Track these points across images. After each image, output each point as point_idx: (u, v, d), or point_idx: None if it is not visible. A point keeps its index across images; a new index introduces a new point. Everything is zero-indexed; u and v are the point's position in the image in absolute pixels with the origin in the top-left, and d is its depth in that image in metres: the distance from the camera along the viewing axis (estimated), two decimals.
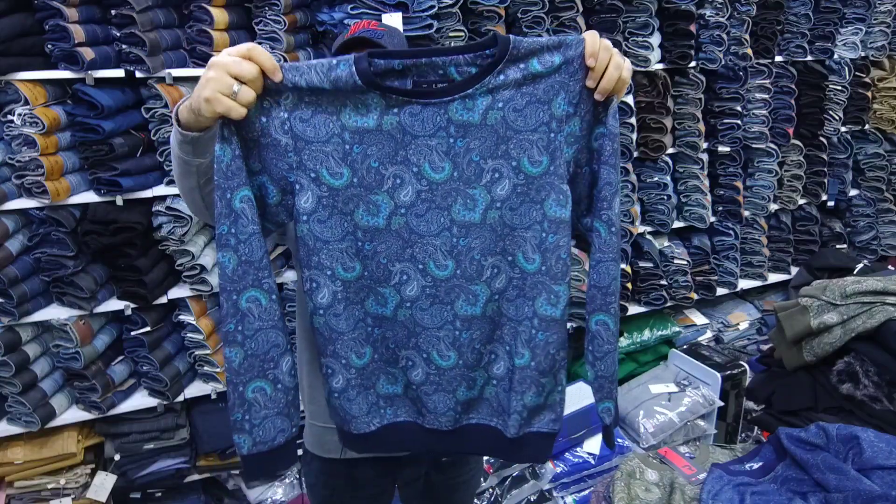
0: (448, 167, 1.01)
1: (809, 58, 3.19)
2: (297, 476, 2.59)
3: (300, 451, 1.36)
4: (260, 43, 2.29)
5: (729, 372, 2.69)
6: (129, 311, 2.31)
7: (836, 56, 3.25)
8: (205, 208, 1.12)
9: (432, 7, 2.15)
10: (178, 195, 2.26)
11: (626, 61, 1.02)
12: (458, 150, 1.01)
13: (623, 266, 2.96)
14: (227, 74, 0.92)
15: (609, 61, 0.98)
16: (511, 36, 0.97)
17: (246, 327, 0.99)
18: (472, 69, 0.98)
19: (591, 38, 0.99)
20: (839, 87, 3.28)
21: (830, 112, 3.32)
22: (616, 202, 1.03)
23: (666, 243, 3.12)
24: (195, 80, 2.27)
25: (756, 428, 2.72)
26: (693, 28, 2.80)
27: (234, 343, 0.99)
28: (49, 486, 2.30)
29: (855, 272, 2.99)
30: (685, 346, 3.01)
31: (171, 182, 2.26)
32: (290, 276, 2.54)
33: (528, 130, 1.00)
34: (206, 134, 1.01)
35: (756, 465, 2.20)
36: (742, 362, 2.77)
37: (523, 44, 0.97)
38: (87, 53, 2.03)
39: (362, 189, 1.01)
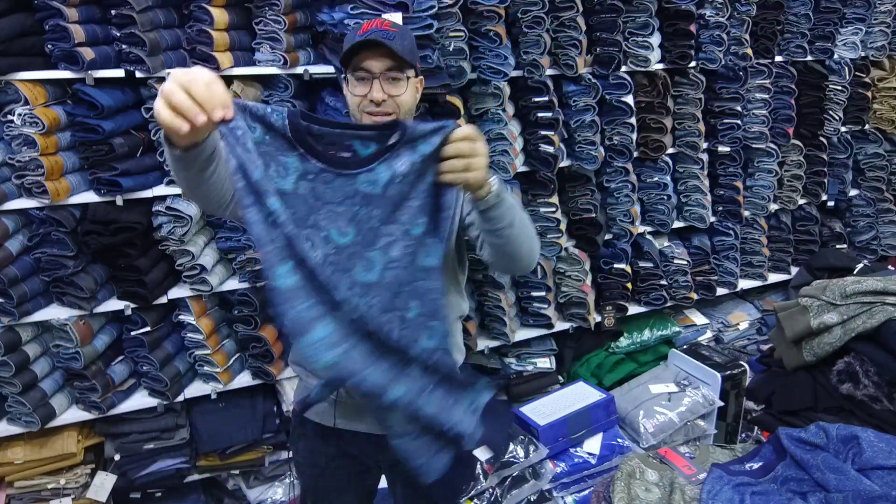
0: (352, 232, 1.14)
1: (809, 58, 3.19)
2: (292, 469, 2.59)
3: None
4: (260, 43, 2.29)
5: (729, 372, 2.69)
6: (129, 311, 2.31)
7: (836, 56, 3.25)
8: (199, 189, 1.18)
9: (432, 7, 2.15)
10: (178, 195, 2.26)
11: (479, 160, 1.14)
12: (362, 217, 1.14)
13: (623, 266, 2.96)
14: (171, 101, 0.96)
15: (463, 152, 1.13)
16: (406, 122, 1.14)
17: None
18: (371, 148, 1.13)
19: (461, 131, 1.14)
20: (839, 87, 3.28)
21: (830, 112, 3.32)
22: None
23: (666, 243, 3.12)
24: None
25: (756, 428, 2.72)
26: (693, 28, 2.80)
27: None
28: (49, 486, 2.30)
29: (855, 272, 2.99)
30: (685, 346, 3.01)
31: (171, 182, 2.26)
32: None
33: (414, 199, 1.16)
34: (195, 150, 1.06)
35: (756, 465, 2.20)
36: (742, 362, 2.77)
37: (416, 129, 1.13)
38: (87, 53, 2.03)
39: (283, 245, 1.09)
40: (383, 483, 1.67)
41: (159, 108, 0.95)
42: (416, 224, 1.16)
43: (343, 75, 1.46)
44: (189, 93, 0.94)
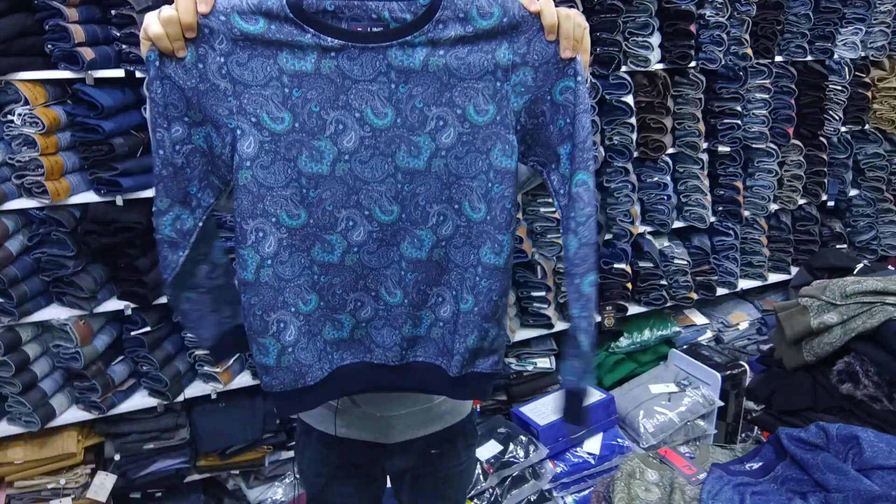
0: (391, 113, 0.99)
1: (809, 58, 3.19)
2: (296, 476, 2.59)
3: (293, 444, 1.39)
4: None
5: (729, 372, 2.69)
6: (129, 311, 2.31)
7: (836, 56, 3.25)
8: None
9: None
10: None
11: (580, 18, 0.99)
12: (401, 95, 0.98)
13: (623, 266, 2.97)
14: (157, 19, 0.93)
15: (563, 18, 0.97)
16: None
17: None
18: (406, 16, 0.95)
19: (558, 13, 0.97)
20: (839, 87, 3.28)
21: (830, 112, 3.32)
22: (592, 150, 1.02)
23: (666, 243, 3.12)
24: None
25: (756, 428, 2.72)
26: (693, 28, 2.80)
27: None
28: (49, 486, 2.30)
29: (855, 272, 2.99)
30: (685, 346, 3.01)
31: None
32: None
33: (472, 78, 0.98)
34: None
35: (756, 465, 2.20)
36: (742, 362, 2.77)
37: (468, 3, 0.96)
38: (87, 53, 2.03)
39: (304, 134, 0.98)
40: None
41: (147, 27, 0.93)
42: (481, 110, 1.00)
43: None
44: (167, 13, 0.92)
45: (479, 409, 2.82)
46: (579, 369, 1.12)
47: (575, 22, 0.97)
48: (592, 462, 2.46)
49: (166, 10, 0.93)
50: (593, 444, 2.52)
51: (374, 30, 0.96)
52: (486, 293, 1.06)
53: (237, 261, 1.03)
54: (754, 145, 3.16)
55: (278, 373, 1.08)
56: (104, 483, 2.35)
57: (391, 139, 1.00)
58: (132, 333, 2.34)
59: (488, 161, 1.02)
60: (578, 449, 2.51)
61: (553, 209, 2.77)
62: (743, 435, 2.75)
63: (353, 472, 1.46)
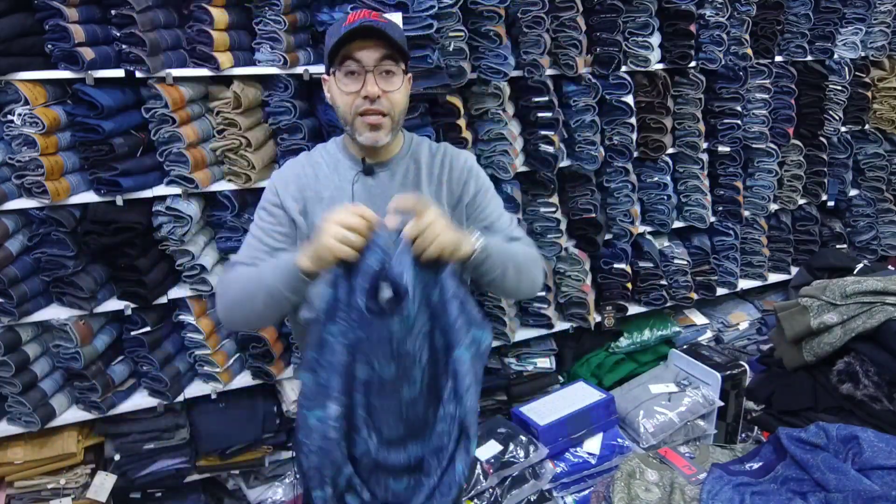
0: (394, 366, 1.20)
1: (809, 58, 3.19)
2: (296, 476, 2.59)
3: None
4: (260, 43, 2.29)
5: (729, 372, 2.69)
6: (129, 311, 2.31)
7: (836, 56, 3.25)
8: (254, 316, 1.35)
9: (432, 7, 2.15)
10: (178, 195, 2.26)
11: (436, 226, 1.16)
12: (403, 351, 1.20)
13: (623, 266, 2.97)
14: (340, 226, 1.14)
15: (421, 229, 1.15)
16: (401, 279, 1.13)
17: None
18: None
19: (410, 226, 1.16)
20: (839, 87, 3.28)
21: (830, 112, 3.32)
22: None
23: (666, 243, 3.12)
24: (195, 80, 2.27)
25: (756, 428, 2.72)
26: (693, 28, 2.80)
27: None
28: (49, 486, 2.30)
29: (855, 272, 2.99)
30: (685, 346, 3.01)
31: (171, 182, 2.26)
32: None
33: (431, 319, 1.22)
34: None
35: (756, 465, 2.20)
36: (742, 362, 2.77)
37: (401, 268, 1.15)
38: (87, 53, 2.03)
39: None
40: None
41: (329, 243, 1.13)
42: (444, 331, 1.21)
43: (328, 70, 1.37)
44: (346, 226, 1.14)
45: (479, 410, 2.82)
46: None
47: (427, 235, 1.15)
48: (592, 462, 2.46)
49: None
50: (593, 444, 2.52)
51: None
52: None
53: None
54: (754, 145, 3.16)
55: None
56: (104, 483, 2.35)
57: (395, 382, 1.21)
58: (132, 333, 2.34)
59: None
60: (578, 449, 2.51)
61: (553, 209, 2.77)
62: (743, 435, 2.75)
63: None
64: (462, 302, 1.20)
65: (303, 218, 1.41)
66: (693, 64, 2.89)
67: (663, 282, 3.07)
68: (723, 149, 3.09)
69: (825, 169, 3.42)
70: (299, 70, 2.31)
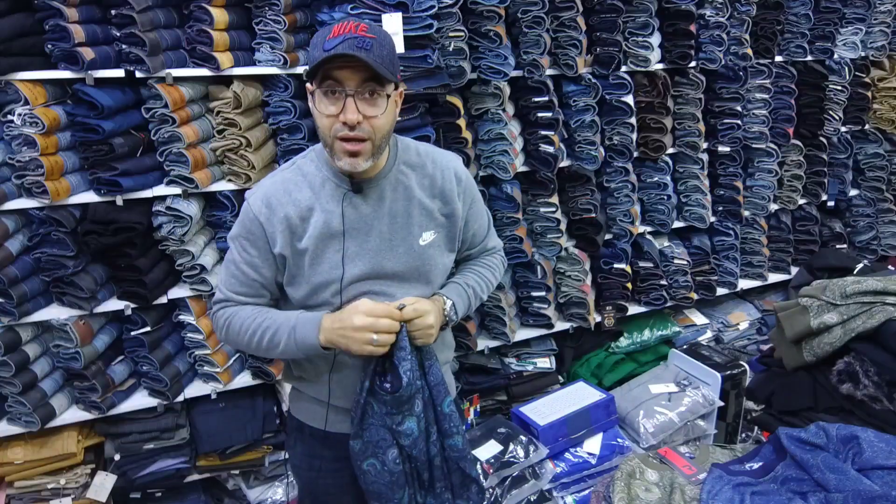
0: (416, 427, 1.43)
1: (809, 58, 3.19)
2: (288, 472, 2.59)
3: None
4: (260, 43, 2.29)
5: (729, 372, 2.69)
6: (129, 311, 2.31)
7: (836, 56, 3.25)
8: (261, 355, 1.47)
9: (432, 7, 2.15)
10: (178, 195, 2.26)
11: (427, 319, 1.35)
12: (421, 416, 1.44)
13: (623, 266, 2.97)
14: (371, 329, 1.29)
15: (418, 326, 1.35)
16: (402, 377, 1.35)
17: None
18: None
19: (407, 329, 1.35)
20: (839, 87, 3.28)
21: (830, 112, 3.32)
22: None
23: (666, 243, 3.12)
24: (195, 79, 2.27)
25: (756, 428, 2.72)
26: (693, 28, 2.80)
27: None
28: (49, 486, 2.30)
29: (855, 272, 2.99)
30: (685, 346, 3.01)
31: (171, 182, 2.26)
32: None
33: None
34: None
35: (756, 465, 2.20)
36: (742, 362, 2.77)
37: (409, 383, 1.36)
38: (87, 53, 2.03)
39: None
40: None
41: (362, 349, 1.29)
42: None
43: (309, 84, 1.28)
44: (378, 330, 1.29)
45: (478, 409, 2.82)
46: None
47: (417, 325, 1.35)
48: (592, 462, 2.46)
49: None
50: (593, 444, 2.52)
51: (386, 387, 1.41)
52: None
53: None
54: (754, 145, 3.16)
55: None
56: (104, 483, 2.35)
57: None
58: (132, 333, 2.34)
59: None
60: (578, 449, 2.51)
61: (553, 209, 2.77)
62: (743, 435, 2.75)
63: (345, 465, 1.48)
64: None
65: (290, 246, 1.36)
66: (693, 64, 2.89)
67: (663, 282, 3.07)
68: (723, 149, 3.09)
69: (825, 169, 3.42)
70: (299, 70, 2.31)
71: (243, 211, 1.38)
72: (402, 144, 1.45)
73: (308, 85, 1.30)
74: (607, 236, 2.98)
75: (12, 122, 2.01)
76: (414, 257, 1.41)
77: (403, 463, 1.44)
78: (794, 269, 3.44)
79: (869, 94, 3.38)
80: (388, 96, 1.27)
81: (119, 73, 2.11)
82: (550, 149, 2.65)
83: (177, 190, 2.25)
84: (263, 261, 1.38)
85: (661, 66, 2.84)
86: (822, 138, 3.35)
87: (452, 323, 1.47)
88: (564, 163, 2.77)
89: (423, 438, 1.42)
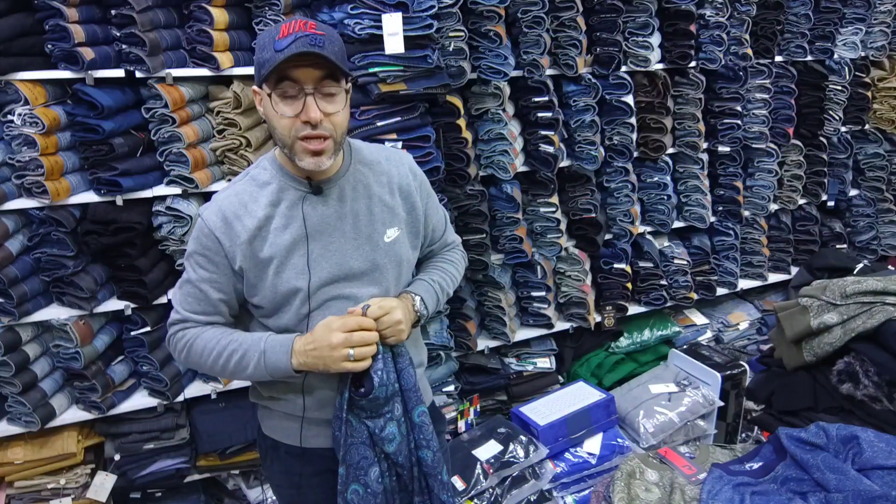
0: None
1: (809, 58, 3.19)
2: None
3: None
4: None
5: (729, 372, 2.69)
6: (129, 311, 2.31)
7: (836, 56, 3.25)
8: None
9: (432, 7, 2.15)
10: (178, 195, 2.26)
11: (394, 315, 1.32)
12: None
13: (623, 266, 2.97)
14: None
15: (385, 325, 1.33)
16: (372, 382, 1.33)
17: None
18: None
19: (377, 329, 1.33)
20: (839, 87, 3.28)
21: (830, 112, 3.32)
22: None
23: (666, 243, 3.12)
24: (195, 79, 2.27)
25: (756, 428, 2.72)
26: (693, 28, 2.80)
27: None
28: (49, 486, 2.30)
29: (855, 272, 2.99)
30: (685, 346, 3.01)
31: (171, 182, 2.26)
32: None
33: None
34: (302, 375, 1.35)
35: (756, 465, 2.20)
36: (742, 362, 2.77)
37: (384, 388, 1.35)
38: (87, 53, 2.03)
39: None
40: None
41: (342, 366, 1.28)
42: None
43: (259, 84, 1.24)
44: (356, 344, 1.27)
45: (478, 409, 2.82)
46: None
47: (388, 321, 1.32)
48: (592, 462, 2.46)
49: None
50: (593, 444, 2.52)
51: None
52: None
53: None
54: (754, 145, 3.16)
55: None
56: (104, 483, 2.35)
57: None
58: (132, 333, 2.34)
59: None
60: (578, 449, 2.51)
61: (553, 209, 2.78)
62: (743, 435, 2.75)
63: (325, 479, 1.45)
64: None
65: (250, 258, 1.31)
66: (693, 64, 2.89)
67: (663, 282, 3.07)
68: (723, 149, 3.09)
69: (825, 169, 3.42)
70: None
71: (197, 227, 1.33)
72: (354, 145, 1.44)
73: (257, 88, 1.26)
74: (607, 236, 2.98)
75: (12, 122, 2.01)
76: (380, 255, 1.39)
77: (388, 479, 1.40)
78: (794, 269, 3.44)
79: (869, 94, 3.38)
80: (347, 92, 1.27)
81: (119, 73, 2.11)
82: (550, 149, 2.65)
83: (177, 190, 2.25)
84: (222, 276, 1.33)
85: (661, 66, 2.84)
86: (822, 138, 3.35)
87: (423, 319, 1.43)
88: (564, 163, 2.77)
89: (405, 444, 1.39)
